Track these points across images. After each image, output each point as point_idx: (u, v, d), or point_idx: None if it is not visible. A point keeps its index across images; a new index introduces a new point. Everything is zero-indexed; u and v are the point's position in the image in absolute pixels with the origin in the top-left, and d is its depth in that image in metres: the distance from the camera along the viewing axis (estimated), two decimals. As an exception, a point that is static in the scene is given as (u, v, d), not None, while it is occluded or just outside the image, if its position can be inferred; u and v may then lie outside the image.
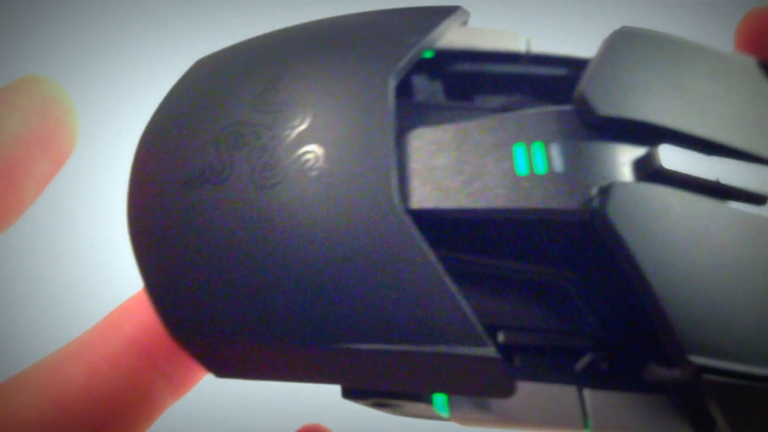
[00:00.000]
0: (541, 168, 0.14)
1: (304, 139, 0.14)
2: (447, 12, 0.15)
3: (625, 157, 0.14)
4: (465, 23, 0.16)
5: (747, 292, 0.13)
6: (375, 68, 0.14)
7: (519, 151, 0.14)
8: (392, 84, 0.14)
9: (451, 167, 0.14)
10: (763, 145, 0.15)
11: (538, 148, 0.14)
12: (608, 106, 0.14)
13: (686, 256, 0.13)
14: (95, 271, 0.35)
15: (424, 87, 0.16)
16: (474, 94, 0.16)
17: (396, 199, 0.13)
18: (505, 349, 0.14)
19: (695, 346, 0.13)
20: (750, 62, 0.16)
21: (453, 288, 0.13)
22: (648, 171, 0.14)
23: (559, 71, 0.16)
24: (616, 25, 0.17)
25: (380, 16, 0.15)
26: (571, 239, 0.14)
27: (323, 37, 0.15)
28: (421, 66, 0.15)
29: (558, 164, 0.14)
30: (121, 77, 0.39)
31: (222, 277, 0.14)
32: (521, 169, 0.14)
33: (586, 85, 0.14)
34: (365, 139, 0.13)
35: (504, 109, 0.15)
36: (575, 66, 0.16)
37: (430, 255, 0.13)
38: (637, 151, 0.14)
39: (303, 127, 0.14)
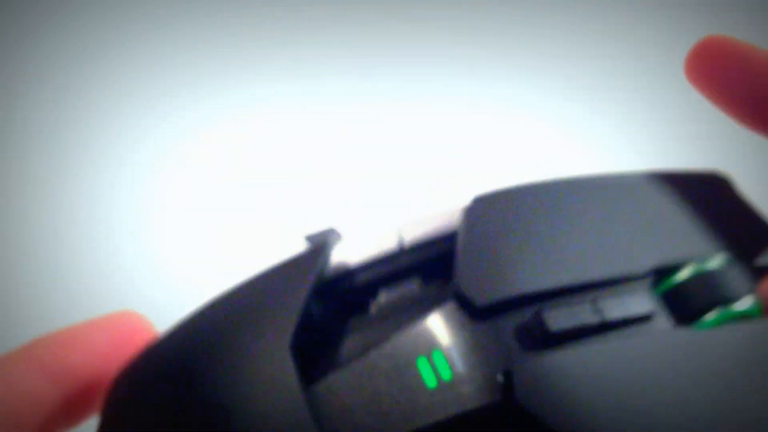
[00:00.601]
0: (446, 374, 0.14)
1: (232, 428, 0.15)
2: (318, 253, 0.16)
3: (515, 334, 0.15)
4: (339, 240, 0.17)
5: (674, 409, 0.14)
6: (271, 346, 0.15)
7: (422, 365, 0.14)
8: (290, 360, 0.15)
9: (366, 404, 0.14)
10: (635, 261, 0.16)
11: (437, 356, 0.15)
12: (483, 294, 0.15)
13: (604, 405, 0.14)
14: (95, 271, 0.35)
15: (323, 313, 0.16)
16: (372, 298, 0.17)
17: None
18: None
19: None
20: (607, 179, 0.18)
21: None
22: (539, 339, 0.15)
23: (436, 251, 0.17)
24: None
25: (261, 283, 0.16)
26: (503, 427, 0.14)
27: (220, 327, 0.16)
28: (317, 294, 0.16)
29: (459, 365, 0.14)
30: (121, 77, 0.39)
31: None
32: (430, 382, 0.14)
33: (458, 280, 0.15)
34: (282, 416, 0.14)
35: (402, 305, 0.16)
36: (448, 242, 0.17)
37: None
38: (525, 322, 0.15)
39: (229, 418, 0.15)
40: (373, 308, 0.17)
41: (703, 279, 0.16)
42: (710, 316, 0.16)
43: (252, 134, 0.39)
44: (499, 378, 0.14)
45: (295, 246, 0.18)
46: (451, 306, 0.15)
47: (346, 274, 0.17)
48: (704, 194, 0.18)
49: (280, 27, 0.40)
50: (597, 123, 0.39)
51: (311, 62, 0.40)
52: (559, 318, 0.15)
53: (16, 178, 0.37)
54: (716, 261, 0.17)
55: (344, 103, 0.39)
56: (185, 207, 0.37)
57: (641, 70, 0.39)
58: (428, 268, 0.17)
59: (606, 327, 0.15)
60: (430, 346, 0.15)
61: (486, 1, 0.41)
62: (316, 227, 0.19)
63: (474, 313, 0.15)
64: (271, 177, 0.38)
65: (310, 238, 0.18)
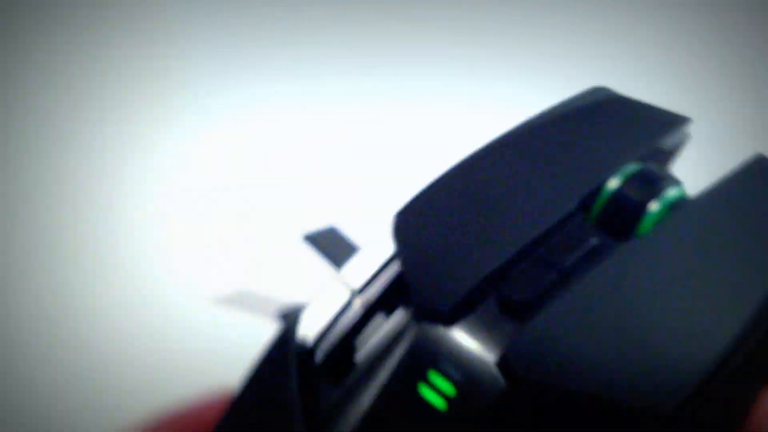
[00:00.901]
0: (449, 389, 0.14)
1: None
2: (285, 343, 0.16)
3: (491, 320, 0.15)
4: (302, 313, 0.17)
5: (658, 314, 0.14)
6: None
7: (425, 391, 0.14)
8: None
9: None
10: (561, 201, 0.16)
11: (434, 377, 0.14)
12: (444, 297, 0.15)
13: (599, 343, 0.14)
14: (95, 270, 0.35)
15: (320, 383, 0.16)
16: (354, 353, 0.17)
17: None
18: None
19: (661, 398, 0.13)
20: (502, 142, 0.18)
21: None
22: (514, 314, 0.15)
23: (386, 280, 0.17)
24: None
25: (252, 394, 0.16)
26: (524, 406, 0.15)
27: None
28: (303, 370, 0.16)
29: (458, 376, 0.14)
30: (121, 77, 0.39)
31: None
32: (440, 404, 0.14)
33: (415, 293, 0.15)
34: None
35: (380, 345, 0.16)
36: (390, 266, 0.17)
37: None
38: (494, 306, 0.15)
39: None
40: (357, 359, 0.16)
41: (629, 183, 0.16)
42: (651, 210, 0.16)
43: (252, 134, 0.39)
44: (497, 366, 0.14)
45: (295, 246, 0.18)
46: (420, 324, 0.15)
47: (317, 343, 0.17)
48: (594, 112, 0.19)
49: (280, 27, 0.40)
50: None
51: (311, 62, 0.40)
52: (521, 289, 0.15)
53: (16, 178, 0.37)
54: (632, 165, 0.17)
55: (344, 103, 0.39)
56: (185, 207, 0.37)
57: (641, 70, 0.39)
58: (389, 299, 0.17)
59: (566, 275, 0.15)
60: (422, 369, 0.15)
61: (486, 1, 0.41)
62: (316, 227, 0.19)
63: (444, 320, 0.15)
64: (271, 177, 0.38)
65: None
